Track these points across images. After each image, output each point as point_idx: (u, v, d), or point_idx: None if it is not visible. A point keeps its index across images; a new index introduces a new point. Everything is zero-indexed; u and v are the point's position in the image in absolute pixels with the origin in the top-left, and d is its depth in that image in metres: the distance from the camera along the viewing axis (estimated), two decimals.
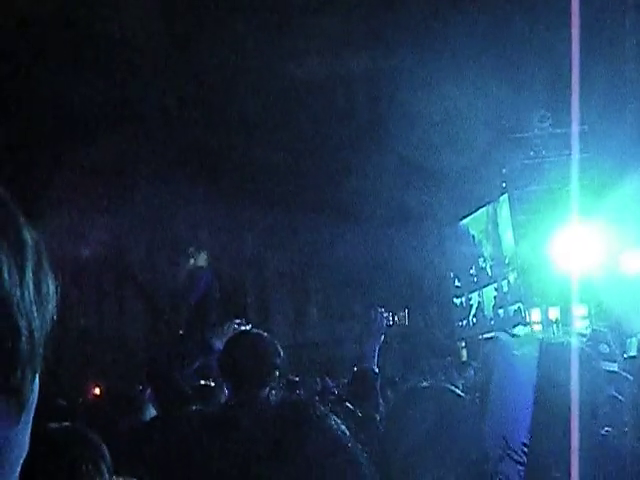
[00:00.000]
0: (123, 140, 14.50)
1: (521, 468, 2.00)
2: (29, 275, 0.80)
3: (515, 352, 2.19)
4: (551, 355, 2.27)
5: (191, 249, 8.93)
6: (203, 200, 16.03)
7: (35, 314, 0.80)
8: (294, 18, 13.62)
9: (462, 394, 2.03)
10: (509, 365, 2.17)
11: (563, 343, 2.47)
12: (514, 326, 13.98)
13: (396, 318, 4.99)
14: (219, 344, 5.33)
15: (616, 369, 5.01)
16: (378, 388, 4.77)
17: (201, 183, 15.54)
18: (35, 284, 0.81)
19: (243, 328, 5.53)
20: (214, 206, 15.96)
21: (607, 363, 4.93)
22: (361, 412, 4.45)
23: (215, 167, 16.05)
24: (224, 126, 14.87)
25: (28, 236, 0.82)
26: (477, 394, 2.77)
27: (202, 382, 4.67)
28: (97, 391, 9.20)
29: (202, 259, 8.69)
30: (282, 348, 3.87)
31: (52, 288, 0.84)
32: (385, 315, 4.70)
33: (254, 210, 16.69)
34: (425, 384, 2.01)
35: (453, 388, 2.02)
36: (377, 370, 4.71)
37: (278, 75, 14.30)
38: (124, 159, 15.05)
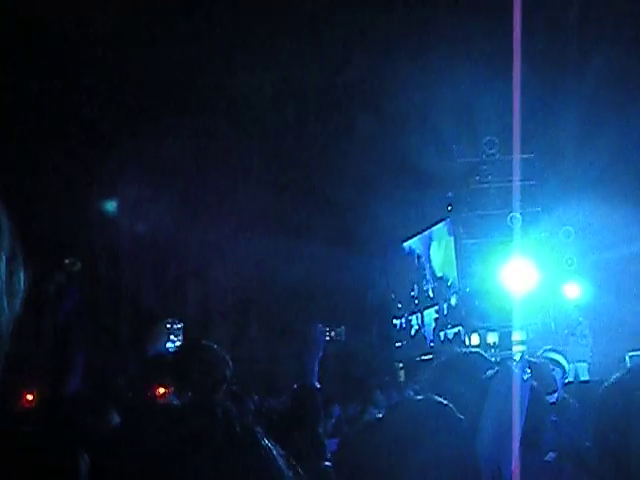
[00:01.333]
0: None
1: None
2: (2, 266, 0.73)
3: (517, 373, 2.15)
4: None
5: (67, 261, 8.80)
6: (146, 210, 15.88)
7: (5, 305, 0.73)
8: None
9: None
10: (508, 387, 2.13)
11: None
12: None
13: (332, 334, 4.96)
14: (152, 348, 5.27)
15: (554, 400, 5.01)
16: (321, 405, 4.74)
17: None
18: (7, 275, 0.74)
19: (177, 326, 5.49)
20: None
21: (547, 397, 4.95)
22: (305, 430, 4.41)
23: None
24: None
25: (5, 224, 0.75)
26: None
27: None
28: (30, 397, 8.96)
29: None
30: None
31: (23, 280, 0.77)
32: (323, 331, 4.72)
33: (197, 222, 16.57)
34: (420, 397, 1.95)
35: (446, 402, 1.95)
36: (318, 386, 4.69)
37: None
38: None
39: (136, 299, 16.51)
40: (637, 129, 13.23)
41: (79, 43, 13.60)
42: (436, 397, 1.93)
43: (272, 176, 16.71)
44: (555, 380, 5.49)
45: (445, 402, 1.89)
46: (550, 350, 6.62)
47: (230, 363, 3.82)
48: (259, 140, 15.68)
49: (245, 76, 14.12)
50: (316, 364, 4.58)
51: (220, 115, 15.06)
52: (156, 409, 3.34)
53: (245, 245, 17.35)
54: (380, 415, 1.98)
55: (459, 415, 1.85)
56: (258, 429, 1.41)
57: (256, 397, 12.20)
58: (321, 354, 4.73)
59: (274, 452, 1.37)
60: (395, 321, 18.48)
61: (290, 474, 1.37)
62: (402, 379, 16.46)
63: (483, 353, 3.02)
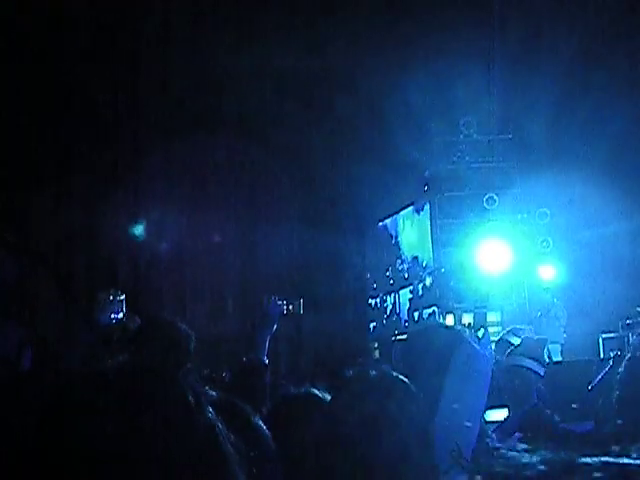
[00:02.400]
0: None
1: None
2: None
3: (479, 350, 2.08)
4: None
5: None
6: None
7: None
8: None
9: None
10: (469, 365, 2.06)
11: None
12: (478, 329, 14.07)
13: (290, 307, 4.80)
14: (103, 317, 5.16)
15: (541, 372, 5.04)
16: (267, 381, 4.56)
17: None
18: None
19: (119, 298, 5.36)
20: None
21: (533, 363, 4.96)
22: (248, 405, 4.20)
23: None
24: None
25: None
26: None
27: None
28: None
29: None
30: (198, 341, 3.76)
31: None
32: (279, 304, 4.58)
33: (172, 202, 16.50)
34: (373, 372, 1.87)
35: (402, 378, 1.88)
36: (266, 361, 4.53)
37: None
38: None
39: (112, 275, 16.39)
40: (613, 109, 13.23)
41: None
42: (390, 371, 1.86)
43: (247, 155, 16.61)
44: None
45: (398, 376, 1.82)
46: (512, 331, 6.65)
47: (193, 339, 3.64)
48: (233, 117, 15.55)
49: (222, 52, 13.96)
50: (267, 338, 4.44)
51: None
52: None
53: (222, 225, 17.29)
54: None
55: (412, 389, 1.78)
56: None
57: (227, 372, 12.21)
58: (275, 327, 4.59)
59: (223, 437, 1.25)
60: (370, 301, 18.47)
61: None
62: (376, 358, 16.49)
63: (460, 329, 2.94)
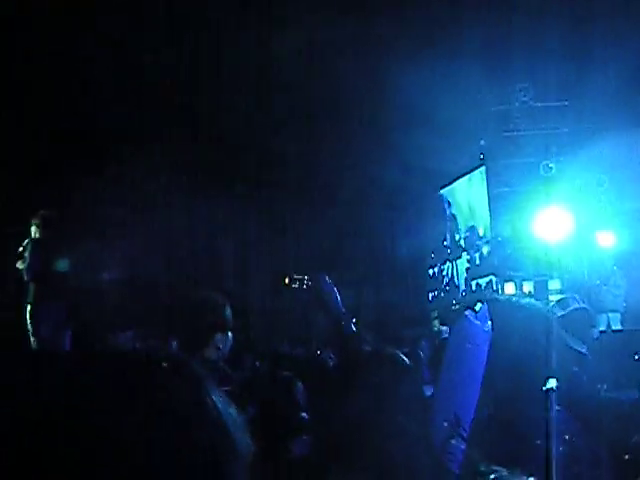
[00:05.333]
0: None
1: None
2: None
3: (476, 323, 2.14)
4: (499, 311, 2.21)
5: None
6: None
7: None
8: None
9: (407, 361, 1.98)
10: (465, 337, 2.13)
11: (511, 299, 2.41)
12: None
13: (310, 283, 4.71)
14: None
15: (584, 351, 4.88)
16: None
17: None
18: None
19: None
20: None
21: (575, 340, 4.83)
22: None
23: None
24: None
25: None
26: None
27: None
28: None
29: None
30: (259, 314, 3.74)
31: None
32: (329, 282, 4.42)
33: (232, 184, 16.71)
34: (368, 348, 1.96)
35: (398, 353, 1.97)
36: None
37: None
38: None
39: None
40: None
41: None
42: (387, 348, 1.95)
43: (310, 129, 16.58)
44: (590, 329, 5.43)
45: (394, 352, 1.91)
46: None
47: (228, 308, 3.57)
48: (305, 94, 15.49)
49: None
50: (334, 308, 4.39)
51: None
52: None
53: (279, 202, 17.47)
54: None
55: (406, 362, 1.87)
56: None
57: (286, 345, 12.37)
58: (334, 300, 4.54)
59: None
60: (429, 270, 18.49)
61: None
62: (436, 328, 16.50)
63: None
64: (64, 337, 9.59)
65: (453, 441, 1.91)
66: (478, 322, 2.15)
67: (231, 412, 1.17)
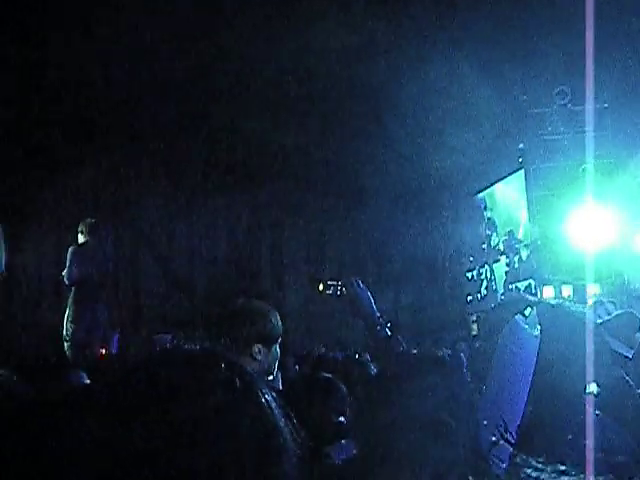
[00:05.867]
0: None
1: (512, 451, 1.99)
2: None
3: (525, 328, 2.18)
4: (549, 317, 2.24)
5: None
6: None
7: None
8: None
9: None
10: (515, 342, 2.17)
11: (562, 305, 2.43)
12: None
13: (343, 289, 4.67)
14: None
15: (630, 355, 4.85)
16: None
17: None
18: None
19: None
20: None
21: (620, 345, 4.79)
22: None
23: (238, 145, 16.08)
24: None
25: None
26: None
27: None
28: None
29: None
30: (295, 319, 3.72)
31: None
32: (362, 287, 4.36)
33: (269, 187, 16.79)
34: (413, 351, 2.01)
35: (445, 356, 2.02)
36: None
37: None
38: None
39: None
40: None
41: None
42: (432, 351, 1.99)
43: (349, 134, 16.59)
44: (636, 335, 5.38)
45: (438, 355, 1.95)
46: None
47: (273, 321, 3.52)
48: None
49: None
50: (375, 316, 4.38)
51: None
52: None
53: (316, 203, 17.50)
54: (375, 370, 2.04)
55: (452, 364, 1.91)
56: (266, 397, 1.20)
57: (323, 348, 12.45)
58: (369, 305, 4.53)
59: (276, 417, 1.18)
60: (467, 274, 18.46)
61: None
62: (475, 332, 16.45)
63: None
64: (112, 339, 9.84)
65: (500, 445, 1.96)
66: (527, 327, 2.20)
67: (281, 413, 1.19)
